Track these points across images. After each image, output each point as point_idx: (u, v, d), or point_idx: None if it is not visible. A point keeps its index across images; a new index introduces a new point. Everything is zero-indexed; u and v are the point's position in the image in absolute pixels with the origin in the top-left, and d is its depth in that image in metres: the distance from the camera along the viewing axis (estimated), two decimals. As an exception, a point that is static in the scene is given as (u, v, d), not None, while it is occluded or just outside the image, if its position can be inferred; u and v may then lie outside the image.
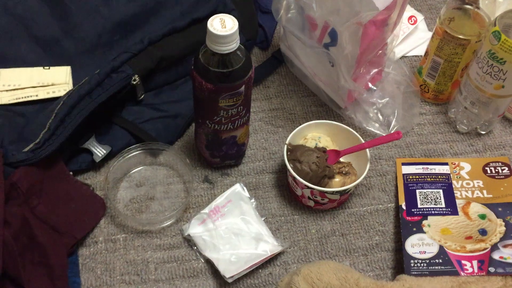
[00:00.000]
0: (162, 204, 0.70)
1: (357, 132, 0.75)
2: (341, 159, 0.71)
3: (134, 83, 0.71)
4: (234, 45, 0.57)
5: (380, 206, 0.72)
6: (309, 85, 0.85)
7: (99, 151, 0.71)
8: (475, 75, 0.73)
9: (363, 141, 0.69)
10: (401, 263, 0.65)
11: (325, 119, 0.80)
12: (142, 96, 0.75)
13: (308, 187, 0.65)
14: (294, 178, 0.66)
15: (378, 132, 0.78)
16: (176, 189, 0.72)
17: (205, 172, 0.74)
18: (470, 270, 0.60)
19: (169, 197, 0.71)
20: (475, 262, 0.60)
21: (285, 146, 0.69)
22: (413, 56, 0.91)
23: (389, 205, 0.72)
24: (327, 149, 0.70)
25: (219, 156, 0.71)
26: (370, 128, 0.79)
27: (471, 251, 0.62)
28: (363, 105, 0.78)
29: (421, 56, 0.91)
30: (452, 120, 0.82)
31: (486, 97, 0.73)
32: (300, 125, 0.79)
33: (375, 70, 0.77)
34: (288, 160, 0.67)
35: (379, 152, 0.78)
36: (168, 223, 0.68)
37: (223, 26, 0.56)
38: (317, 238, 0.68)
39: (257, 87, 0.85)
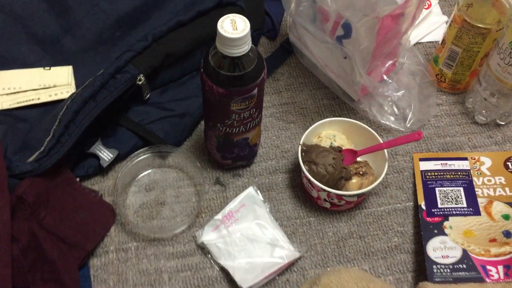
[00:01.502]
0: (173, 209, 0.68)
1: (371, 126, 0.73)
2: (357, 158, 0.68)
3: (140, 83, 0.68)
4: (246, 47, 0.54)
5: (398, 205, 0.69)
6: (320, 76, 0.81)
7: (106, 156, 0.68)
8: (496, 66, 0.69)
9: (381, 140, 0.67)
10: (421, 266, 0.63)
11: (338, 113, 0.77)
12: (148, 96, 0.72)
13: (325, 190, 0.63)
14: (309, 180, 0.63)
15: (393, 126, 0.75)
16: (187, 192, 0.69)
17: (216, 173, 0.71)
18: (496, 276, 0.58)
19: (180, 201, 0.69)
20: (500, 268, 0.58)
21: (299, 146, 0.66)
22: (427, 42, 0.88)
23: (407, 204, 0.70)
24: (343, 148, 0.68)
25: (230, 158, 0.68)
26: (385, 122, 0.76)
27: (496, 255, 0.60)
28: (377, 98, 0.75)
29: (436, 42, 0.87)
30: (470, 111, 0.79)
31: (508, 88, 0.70)
32: (313, 120, 0.76)
33: (390, 61, 0.73)
34: (303, 162, 0.65)
35: (395, 147, 0.75)
36: (180, 229, 0.66)
37: (234, 27, 0.53)
38: (334, 241, 0.66)
39: (266, 80, 0.81)
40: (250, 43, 0.54)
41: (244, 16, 0.73)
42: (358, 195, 0.64)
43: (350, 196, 0.64)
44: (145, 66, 0.69)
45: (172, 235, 0.65)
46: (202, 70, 0.57)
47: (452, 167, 0.71)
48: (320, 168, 0.64)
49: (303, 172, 0.64)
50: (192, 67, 0.76)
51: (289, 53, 0.84)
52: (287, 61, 0.84)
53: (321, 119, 0.76)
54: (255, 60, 0.56)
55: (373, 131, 0.68)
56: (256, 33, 0.82)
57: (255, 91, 0.57)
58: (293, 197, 0.70)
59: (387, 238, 0.67)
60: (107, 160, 0.68)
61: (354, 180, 0.65)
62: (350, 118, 0.76)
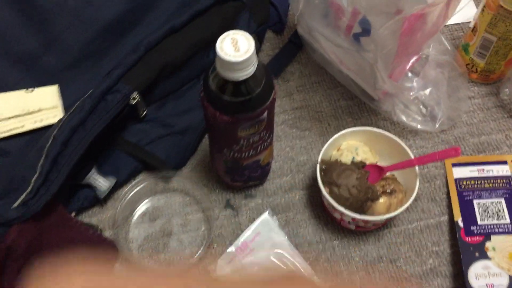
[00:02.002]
0: (181, 240, 0.61)
1: (396, 128, 0.65)
2: (384, 172, 0.61)
3: (134, 102, 0.60)
4: (251, 68, 0.45)
5: (431, 220, 0.62)
6: (335, 74, 0.73)
7: (103, 185, 0.61)
8: (540, 58, 0.60)
9: (410, 153, 0.59)
10: (461, 291, 0.56)
11: (357, 115, 0.69)
12: (145, 113, 0.64)
13: (349, 215, 0.55)
14: (331, 204, 0.56)
15: (421, 127, 0.67)
16: (195, 219, 0.63)
17: (226, 195, 0.64)
18: (551, 309, 0.51)
19: (189, 230, 0.62)
20: (555, 298, 0.51)
21: (318, 165, 0.58)
22: (454, 24, 0.78)
23: (441, 218, 0.62)
24: (367, 162, 0.60)
25: (241, 180, 0.61)
26: (411, 123, 0.67)
27: (549, 283, 0.53)
28: (401, 98, 0.66)
29: (463, 24, 0.77)
30: (506, 103, 0.70)
31: (553, 82, 0.61)
32: (329, 125, 0.68)
33: (415, 57, 0.64)
34: (323, 183, 0.57)
35: (424, 151, 0.67)
36: (191, 263, 0.59)
37: (236, 48, 0.44)
38: (362, 267, 0.59)
39: (276, 82, 0.73)
40: (256, 62, 0.46)
41: (248, 10, 0.65)
42: (386, 218, 0.57)
43: (377, 220, 0.56)
44: (139, 81, 0.61)
45: (183, 269, 0.59)
46: (202, 93, 0.49)
47: (491, 174, 0.63)
48: (342, 190, 0.56)
49: (324, 196, 0.57)
50: (191, 76, 0.68)
51: (299, 48, 0.75)
52: (297, 57, 0.75)
53: (338, 123, 0.68)
54: (262, 79, 0.48)
55: (400, 141, 0.60)
56: (261, 28, 0.73)
57: (265, 114, 0.49)
58: (313, 217, 0.63)
59: (421, 260, 0.60)
60: (104, 190, 0.61)
61: (382, 200, 0.58)
62: (371, 119, 0.68)
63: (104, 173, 0.62)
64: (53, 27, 0.64)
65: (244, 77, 0.45)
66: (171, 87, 0.67)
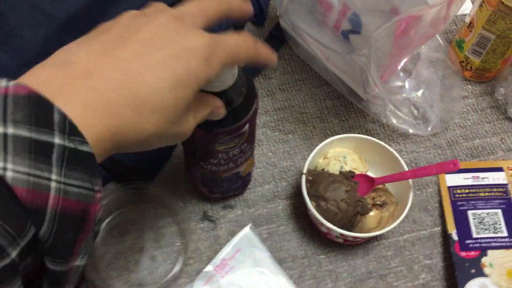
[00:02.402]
0: (154, 257, 0.56)
1: (385, 131, 0.60)
2: (374, 182, 0.56)
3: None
4: (231, 78, 0.40)
5: (423, 232, 0.58)
6: (320, 71, 0.68)
7: (66, 199, 0.55)
8: (542, 58, 0.56)
9: (403, 164, 0.54)
10: (455, 309, 0.53)
11: (344, 116, 0.65)
12: (112, 117, 0.58)
13: (337, 231, 0.51)
14: (318, 219, 0.51)
15: (412, 131, 0.63)
16: (169, 233, 0.57)
17: (203, 206, 0.59)
18: (553, 333, 0.48)
19: (162, 246, 0.57)
20: (557, 322, 0.48)
21: (303, 176, 0.53)
22: (446, 17, 0.73)
23: (434, 229, 0.58)
24: (356, 172, 0.55)
25: (219, 192, 0.56)
26: (402, 126, 0.63)
27: (549, 304, 0.49)
28: (392, 99, 0.62)
29: (458, 16, 0.73)
30: (501, 103, 0.66)
31: (554, 84, 0.57)
32: (314, 128, 0.64)
33: (408, 57, 0.60)
34: (309, 196, 0.53)
35: (415, 156, 0.63)
36: (165, 283, 0.54)
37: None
38: (350, 284, 0.55)
39: (256, 79, 0.67)
40: (237, 70, 0.40)
41: None
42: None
43: (367, 237, 0.52)
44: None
45: (155, 290, 0.54)
46: None
47: (486, 182, 0.59)
48: (330, 204, 0.51)
49: (309, 211, 0.52)
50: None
51: (282, 43, 0.70)
52: (279, 52, 0.70)
53: (324, 125, 0.64)
54: (243, 90, 0.42)
55: (392, 150, 0.55)
56: (240, 22, 0.67)
57: (246, 127, 0.44)
58: (298, 230, 0.58)
59: (413, 275, 0.56)
60: (68, 203, 0.55)
61: (372, 213, 0.53)
62: (359, 121, 0.64)
63: (67, 184, 0.56)
64: (8, 21, 0.57)
65: (223, 88, 0.40)
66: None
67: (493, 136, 0.64)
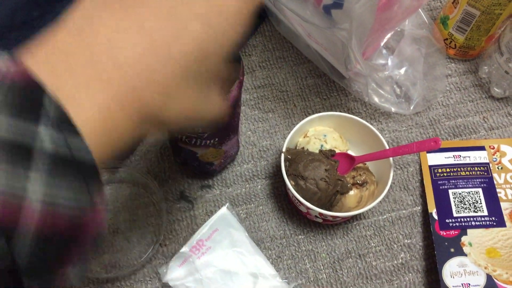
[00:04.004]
0: (129, 238, 0.55)
1: (368, 110, 0.59)
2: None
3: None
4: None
5: (403, 211, 0.57)
6: (302, 48, 0.66)
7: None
8: (526, 35, 0.55)
9: (385, 142, 0.53)
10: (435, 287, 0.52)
11: (326, 95, 0.63)
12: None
13: (316, 211, 0.50)
14: (296, 198, 0.50)
15: (394, 109, 0.62)
16: (144, 214, 0.56)
17: (180, 186, 0.57)
18: (531, 312, 0.47)
19: (137, 226, 0.55)
20: (535, 300, 0.48)
21: (282, 155, 0.52)
22: (430, -6, 0.72)
23: (414, 208, 0.58)
24: (336, 151, 0.54)
25: (178, 158, 0.55)
26: (384, 105, 0.62)
27: (528, 283, 0.49)
28: (374, 77, 0.60)
29: (440, -6, 0.71)
30: (484, 82, 0.65)
31: (538, 61, 0.56)
32: (295, 106, 0.62)
33: (392, 32, 0.58)
34: (288, 175, 0.51)
35: (397, 135, 0.62)
36: (140, 264, 0.53)
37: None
38: (329, 264, 0.55)
39: (236, 56, 0.65)
40: None
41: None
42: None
43: (347, 216, 0.51)
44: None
45: (130, 272, 0.53)
46: None
47: (467, 161, 0.58)
48: (309, 183, 0.50)
49: (289, 190, 0.51)
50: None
51: (262, 19, 0.68)
52: (259, 29, 0.68)
53: (305, 104, 0.62)
54: None
55: (374, 128, 0.54)
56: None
57: None
58: (277, 210, 0.57)
59: (392, 254, 0.55)
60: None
61: (352, 192, 0.52)
62: (340, 100, 0.62)
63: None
64: (-29, -9, 0.54)
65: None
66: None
67: (475, 115, 0.63)
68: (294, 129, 0.53)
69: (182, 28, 0.24)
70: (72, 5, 0.25)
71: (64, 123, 0.21)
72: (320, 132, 0.55)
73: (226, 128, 0.48)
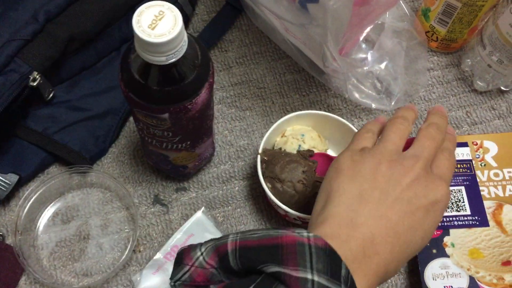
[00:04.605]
0: (101, 244, 0.53)
1: (348, 106, 0.58)
2: (334, 161, 0.53)
3: (34, 84, 0.49)
4: (168, 56, 0.36)
5: (385, 211, 0.56)
6: (280, 43, 0.64)
7: (2, 185, 0.51)
8: (507, 28, 0.53)
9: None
10: (417, 290, 0.51)
11: (305, 91, 0.61)
12: (52, 94, 0.53)
13: (294, 214, 0.48)
14: (274, 202, 0.48)
15: (375, 105, 0.60)
16: (117, 219, 0.54)
17: (155, 189, 0.55)
18: (514, 315, 0.46)
19: (110, 232, 0.53)
20: (519, 303, 0.47)
21: (258, 157, 0.50)
22: (412, -15, 0.70)
23: (396, 208, 0.56)
24: (315, 151, 0.52)
25: (150, 159, 0.54)
26: (365, 101, 0.60)
27: (511, 285, 0.48)
28: (354, 72, 0.58)
29: (422, -16, 0.69)
30: (468, 75, 0.64)
31: (521, 55, 0.54)
32: (273, 103, 0.61)
33: (371, 26, 0.56)
34: (264, 177, 0.49)
35: (378, 132, 0.60)
36: (113, 272, 0.51)
37: (154, 25, 0.34)
38: (309, 268, 0.53)
39: (212, 52, 0.63)
40: (182, 49, 0.36)
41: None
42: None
43: (326, 219, 0.49)
44: (40, 58, 0.50)
45: (103, 280, 0.51)
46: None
47: (450, 158, 0.56)
48: (286, 186, 0.48)
49: (266, 193, 0.49)
50: (109, 47, 0.57)
51: (239, 12, 0.65)
52: (236, 23, 0.65)
53: (284, 100, 0.61)
54: (175, 77, 0.38)
55: (353, 127, 0.52)
56: (193, -10, 0.62)
57: (166, 115, 0.40)
58: (255, 212, 0.55)
59: (374, 256, 0.54)
60: (4, 189, 0.51)
61: (331, 194, 0.50)
62: (320, 96, 0.61)
63: (4, 169, 0.51)
64: None
65: (162, 63, 0.36)
66: (83, 63, 0.56)
67: (458, 110, 0.62)
68: (270, 129, 0.51)
69: (417, 223, 0.35)
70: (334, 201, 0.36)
71: (350, 283, 0.30)
72: (298, 131, 0.53)
73: (197, 132, 0.45)
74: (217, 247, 0.33)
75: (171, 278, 0.34)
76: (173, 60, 0.36)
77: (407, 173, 0.36)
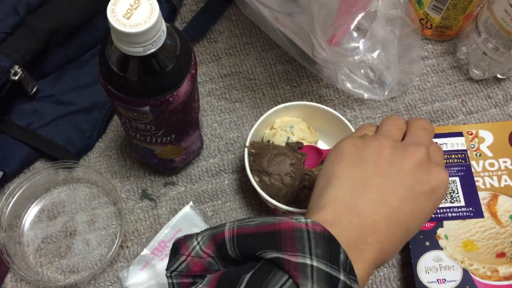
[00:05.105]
0: (88, 240, 0.52)
1: (340, 97, 0.56)
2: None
3: (16, 78, 0.48)
4: (145, 47, 0.35)
5: (378, 203, 0.55)
6: (270, 33, 0.62)
7: (-15, 181, 0.50)
8: (503, 14, 0.51)
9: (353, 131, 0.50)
10: (410, 281, 0.50)
11: (296, 82, 0.60)
12: (35, 89, 0.52)
13: (282, 208, 0.47)
14: (262, 195, 0.47)
15: (368, 95, 0.58)
16: (104, 214, 0.53)
17: (143, 183, 0.54)
18: (508, 309, 0.45)
19: (97, 228, 0.52)
20: (513, 296, 0.45)
21: (245, 149, 0.49)
22: (406, -29, 0.68)
23: (389, 200, 0.55)
24: (304, 143, 0.51)
25: (136, 153, 0.53)
26: (357, 91, 0.58)
27: (506, 278, 0.47)
28: (346, 62, 0.57)
29: (417, -29, 0.67)
30: (463, 63, 0.62)
31: (517, 41, 0.53)
32: (264, 95, 0.59)
33: (362, 14, 0.55)
34: (252, 171, 0.48)
35: (371, 122, 0.59)
36: (101, 268, 0.50)
37: (129, 14, 0.33)
38: (300, 262, 0.52)
39: (201, 43, 0.62)
40: (161, 40, 0.35)
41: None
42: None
43: (316, 212, 0.48)
44: (21, 52, 0.49)
45: (90, 277, 0.50)
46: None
47: (444, 148, 0.55)
48: (274, 179, 0.47)
49: (254, 187, 0.48)
50: (94, 39, 0.56)
51: (228, 2, 0.64)
52: (225, 13, 0.64)
53: (274, 92, 0.59)
54: (157, 68, 0.37)
55: (342, 118, 0.51)
56: (180, -21, 0.61)
57: (146, 108, 0.39)
58: (245, 205, 0.54)
59: (367, 250, 0.53)
60: (-12, 186, 0.50)
61: (321, 187, 0.49)
62: (311, 87, 0.60)
63: (-13, 165, 0.51)
64: None
65: (137, 54, 0.35)
66: (67, 56, 0.55)
67: (453, 99, 0.60)
68: (258, 121, 0.50)
69: (418, 210, 0.35)
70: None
71: (351, 274, 0.30)
72: (287, 123, 0.52)
73: (182, 125, 0.44)
74: (214, 235, 0.32)
75: (167, 269, 0.33)
76: (152, 51, 0.35)
77: (410, 159, 0.35)
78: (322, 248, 0.30)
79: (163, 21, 0.35)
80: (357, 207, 0.33)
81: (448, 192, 0.52)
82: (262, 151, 0.49)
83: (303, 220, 0.31)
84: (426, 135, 0.38)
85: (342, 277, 0.30)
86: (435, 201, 0.36)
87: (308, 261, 0.29)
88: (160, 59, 0.36)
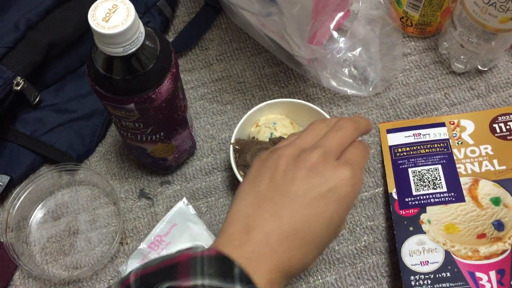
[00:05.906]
0: (90, 238, 0.55)
1: (326, 95, 0.59)
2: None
3: (18, 88, 0.52)
4: (124, 47, 0.38)
5: (365, 193, 0.57)
6: (257, 38, 0.66)
7: (-6, 185, 0.54)
8: (474, 7, 0.54)
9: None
10: (397, 269, 0.51)
11: (284, 83, 0.63)
12: (38, 99, 0.56)
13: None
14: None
15: (352, 92, 0.61)
16: (105, 214, 0.56)
17: (140, 184, 0.58)
18: (488, 286, 0.46)
19: (98, 227, 0.55)
20: (492, 274, 0.47)
21: (231, 146, 0.52)
22: (387, -26, 0.71)
23: (376, 190, 0.57)
24: (288, 138, 0.53)
25: (131, 153, 0.56)
26: (342, 88, 0.61)
27: (486, 257, 0.48)
28: (329, 61, 0.60)
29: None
30: (445, 58, 0.64)
31: (490, 32, 0.55)
32: (253, 96, 0.62)
33: (341, 13, 0.58)
34: (237, 166, 0.51)
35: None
36: (101, 264, 0.53)
37: (108, 17, 0.37)
38: (290, 252, 0.54)
39: (193, 51, 0.66)
40: (139, 40, 0.39)
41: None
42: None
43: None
44: (23, 64, 0.53)
45: (92, 272, 0.53)
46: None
47: (427, 138, 0.57)
48: (259, 171, 0.50)
49: (239, 180, 0.50)
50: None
51: (218, 12, 0.68)
52: (215, 22, 0.67)
53: (263, 93, 0.63)
54: (138, 68, 0.40)
55: (324, 112, 0.53)
56: (171, -7, 0.65)
57: (131, 105, 0.42)
58: (237, 201, 0.57)
59: (355, 237, 0.55)
60: (-4, 190, 0.54)
61: (306, 177, 0.52)
62: (299, 87, 0.62)
63: (-5, 171, 0.54)
64: None
65: (116, 54, 0.38)
66: (67, 67, 0.59)
67: (437, 92, 0.62)
68: (242, 119, 0.53)
69: (316, 215, 0.35)
70: None
71: (249, 284, 0.31)
72: (271, 120, 0.54)
73: (169, 123, 0.48)
74: (122, 281, 0.33)
75: None
76: (131, 51, 0.38)
77: (302, 164, 0.35)
78: (215, 268, 0.31)
79: (141, 23, 0.39)
80: (249, 225, 0.34)
81: (430, 180, 0.54)
82: (246, 147, 0.51)
83: (199, 250, 0.33)
84: (335, 135, 0.37)
85: (238, 286, 0.31)
86: (339, 201, 0.35)
87: (199, 282, 0.31)
88: (140, 59, 0.40)
